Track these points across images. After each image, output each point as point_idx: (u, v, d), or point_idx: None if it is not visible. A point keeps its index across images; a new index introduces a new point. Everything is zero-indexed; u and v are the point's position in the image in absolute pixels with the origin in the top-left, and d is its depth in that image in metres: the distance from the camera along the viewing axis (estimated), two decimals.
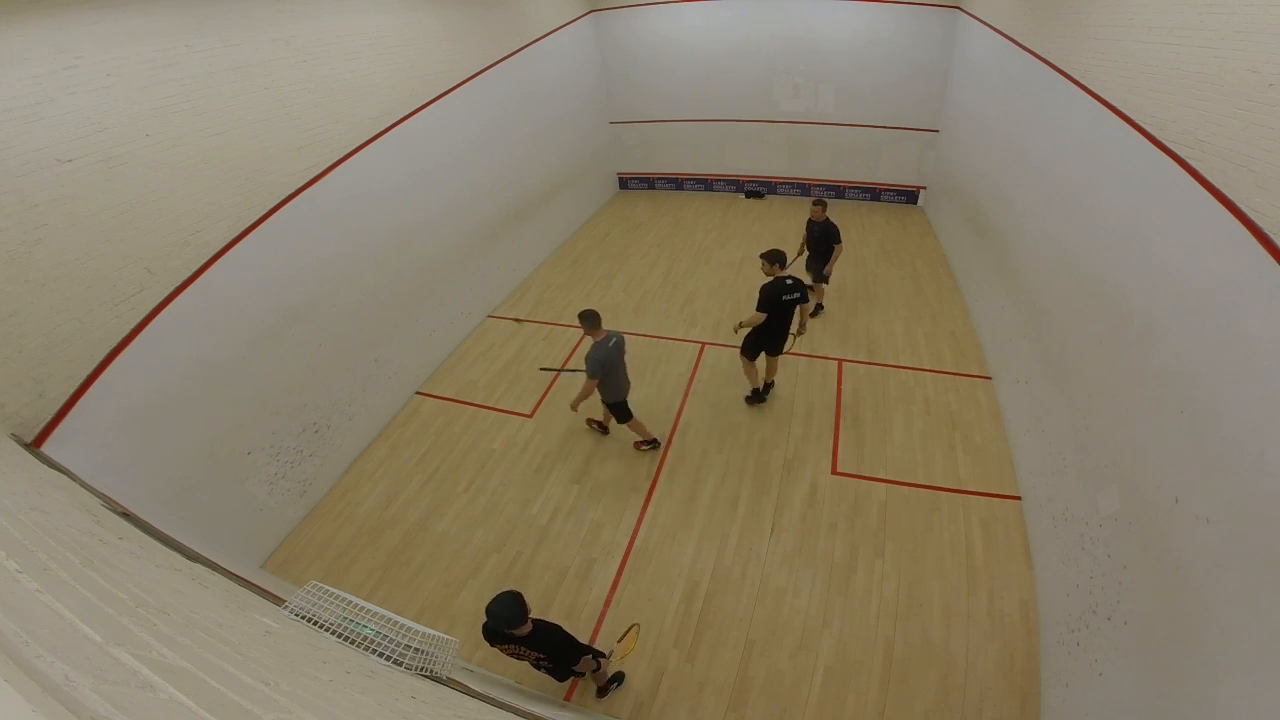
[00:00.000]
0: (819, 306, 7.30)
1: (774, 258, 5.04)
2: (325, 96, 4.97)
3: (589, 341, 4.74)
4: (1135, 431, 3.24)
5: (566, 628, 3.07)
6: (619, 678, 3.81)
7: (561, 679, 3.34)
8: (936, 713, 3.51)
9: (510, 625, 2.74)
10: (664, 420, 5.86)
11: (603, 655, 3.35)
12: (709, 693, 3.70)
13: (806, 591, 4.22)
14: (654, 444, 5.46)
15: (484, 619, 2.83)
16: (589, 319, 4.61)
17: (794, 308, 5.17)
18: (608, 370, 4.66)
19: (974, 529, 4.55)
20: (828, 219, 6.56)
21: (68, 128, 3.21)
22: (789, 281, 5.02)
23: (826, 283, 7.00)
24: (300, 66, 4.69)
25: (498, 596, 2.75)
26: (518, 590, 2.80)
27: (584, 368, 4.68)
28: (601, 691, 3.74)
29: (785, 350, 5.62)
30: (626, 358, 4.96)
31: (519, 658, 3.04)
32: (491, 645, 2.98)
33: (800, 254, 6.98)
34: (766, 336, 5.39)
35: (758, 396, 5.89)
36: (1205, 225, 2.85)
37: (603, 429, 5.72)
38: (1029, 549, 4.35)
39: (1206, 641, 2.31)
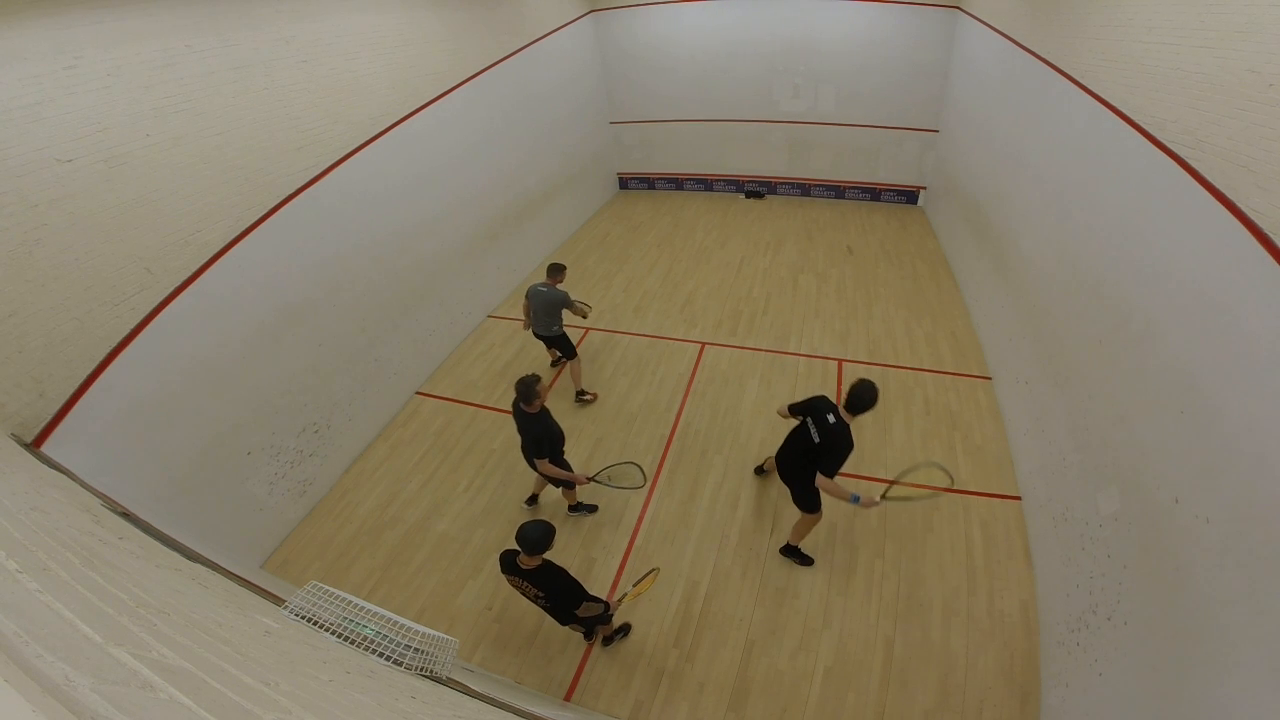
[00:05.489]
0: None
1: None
2: (325, 96, 4.97)
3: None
4: (1135, 431, 3.24)
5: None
6: (625, 629, 3.96)
7: (562, 622, 3.45)
8: (936, 713, 3.51)
9: (531, 549, 2.94)
10: (664, 420, 5.86)
11: (608, 607, 3.38)
12: (709, 693, 3.70)
13: (806, 592, 4.21)
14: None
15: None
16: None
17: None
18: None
19: (974, 529, 4.55)
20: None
21: (68, 128, 3.21)
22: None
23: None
24: (300, 66, 4.69)
25: (534, 521, 3.00)
26: (554, 526, 3.03)
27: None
28: (607, 640, 3.86)
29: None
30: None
31: (521, 591, 3.21)
32: (503, 572, 3.22)
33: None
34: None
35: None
36: (1205, 225, 2.85)
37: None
38: (1029, 549, 4.35)
39: (1207, 641, 2.31)
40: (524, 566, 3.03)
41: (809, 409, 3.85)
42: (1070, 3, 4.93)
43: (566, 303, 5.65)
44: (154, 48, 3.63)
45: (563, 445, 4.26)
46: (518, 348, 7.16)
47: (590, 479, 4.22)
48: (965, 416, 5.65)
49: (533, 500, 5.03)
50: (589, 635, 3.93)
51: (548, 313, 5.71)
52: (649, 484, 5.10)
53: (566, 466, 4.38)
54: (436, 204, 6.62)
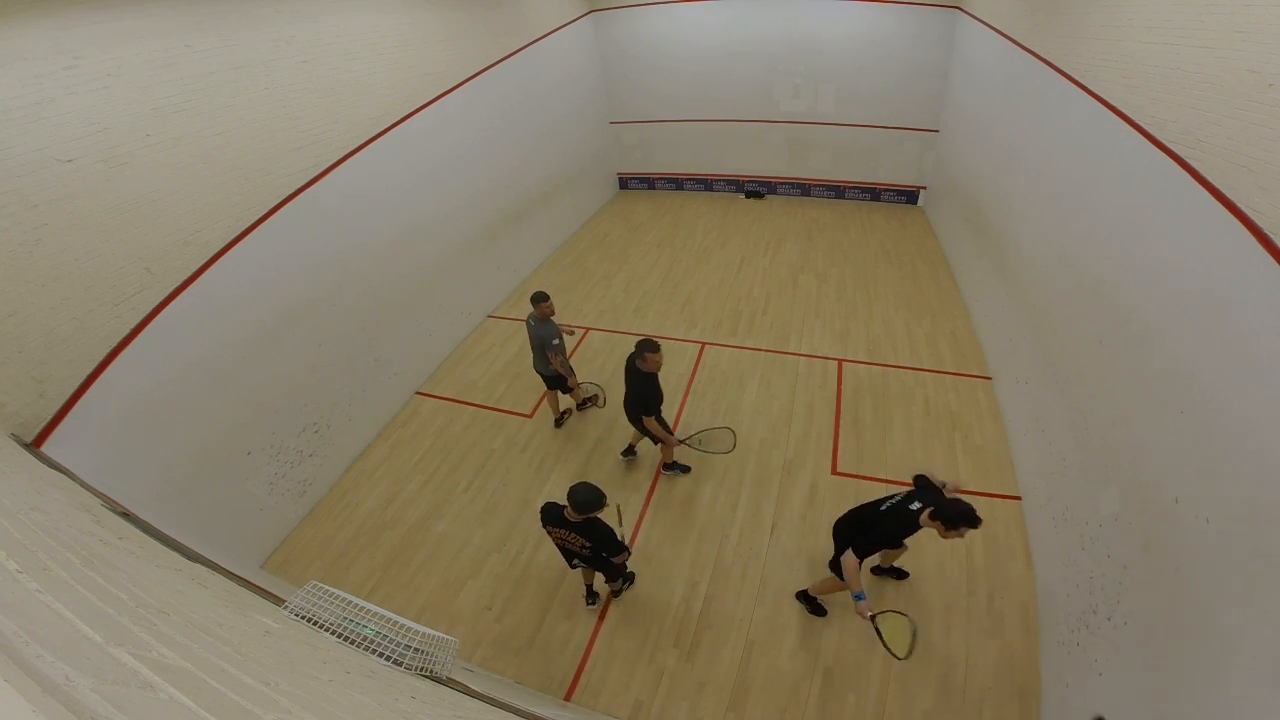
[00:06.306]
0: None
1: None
2: (325, 96, 4.97)
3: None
4: (1135, 431, 3.24)
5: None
6: (630, 578, 4.30)
7: (605, 569, 3.78)
8: (936, 713, 3.51)
9: (580, 510, 3.28)
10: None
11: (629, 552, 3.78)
12: (709, 693, 3.70)
13: None
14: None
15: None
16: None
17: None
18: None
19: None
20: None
21: (68, 128, 3.21)
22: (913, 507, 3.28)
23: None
24: (300, 66, 4.69)
25: (581, 483, 3.32)
26: (604, 492, 3.34)
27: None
28: (615, 592, 4.25)
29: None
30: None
31: (564, 543, 3.55)
32: (544, 526, 3.57)
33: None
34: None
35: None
36: (1205, 225, 2.85)
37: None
38: (1029, 549, 4.35)
39: (1207, 641, 2.31)
40: (571, 519, 3.36)
41: (920, 485, 3.43)
42: (1070, 3, 4.93)
43: (548, 346, 5.03)
44: (154, 48, 3.63)
45: (660, 405, 4.55)
46: (518, 347, 7.16)
47: (682, 441, 4.45)
48: (965, 416, 5.65)
49: (630, 451, 5.35)
50: (622, 588, 4.28)
51: (539, 351, 5.23)
52: (728, 452, 4.90)
53: (665, 426, 4.66)
54: (436, 204, 6.62)
